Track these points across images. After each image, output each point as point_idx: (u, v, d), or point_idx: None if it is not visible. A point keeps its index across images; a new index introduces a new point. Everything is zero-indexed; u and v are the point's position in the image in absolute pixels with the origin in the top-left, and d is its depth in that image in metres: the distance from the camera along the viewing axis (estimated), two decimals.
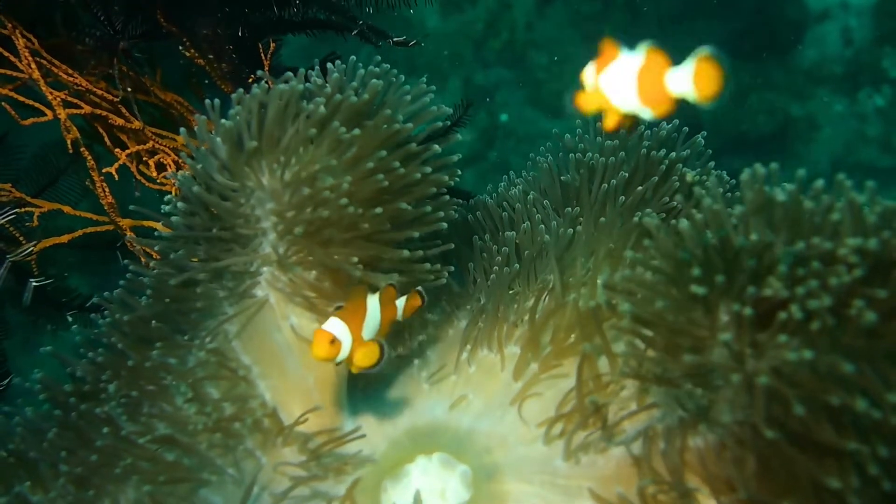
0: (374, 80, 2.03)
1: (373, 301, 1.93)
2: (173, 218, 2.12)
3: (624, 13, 7.98)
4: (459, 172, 2.13)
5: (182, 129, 2.18)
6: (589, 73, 1.76)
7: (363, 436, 2.14)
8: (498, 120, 7.94)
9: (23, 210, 2.84)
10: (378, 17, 2.91)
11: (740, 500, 1.65)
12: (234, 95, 2.06)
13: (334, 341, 1.81)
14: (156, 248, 2.22)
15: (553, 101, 7.58)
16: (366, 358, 1.87)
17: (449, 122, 2.29)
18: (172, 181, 2.44)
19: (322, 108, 1.95)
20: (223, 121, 2.02)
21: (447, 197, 2.12)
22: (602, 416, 1.94)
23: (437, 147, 2.09)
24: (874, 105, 7.51)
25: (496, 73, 8.04)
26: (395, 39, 2.18)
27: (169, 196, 2.19)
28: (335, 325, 1.83)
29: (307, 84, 2.07)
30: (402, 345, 2.38)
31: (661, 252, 1.67)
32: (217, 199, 2.05)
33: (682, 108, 1.78)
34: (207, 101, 2.10)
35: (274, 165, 1.98)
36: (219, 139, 2.01)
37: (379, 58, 2.19)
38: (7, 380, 2.73)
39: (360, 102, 1.98)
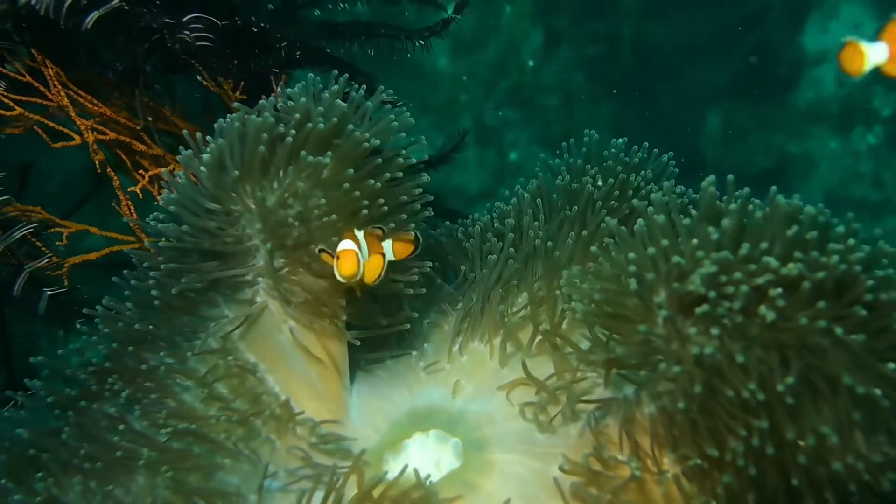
0: (338, 102, 2.28)
1: (359, 234, 2.16)
2: (171, 230, 2.33)
3: (630, 56, 8.20)
4: (426, 178, 2.39)
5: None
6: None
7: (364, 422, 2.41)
8: (507, 158, 8.18)
9: (52, 230, 3.07)
10: (387, 59, 3.12)
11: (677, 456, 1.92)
12: (216, 125, 2.31)
13: (357, 258, 2.07)
14: (159, 259, 2.40)
15: (560, 139, 7.76)
16: (375, 270, 2.12)
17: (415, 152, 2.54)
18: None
19: (290, 139, 2.20)
20: (205, 153, 2.26)
21: (417, 205, 2.39)
22: (573, 395, 2.20)
23: (400, 159, 2.32)
24: (867, 143, 7.70)
25: (505, 113, 8.27)
26: (384, 99, 2.42)
27: (155, 214, 2.39)
28: (352, 245, 2.09)
29: (277, 111, 2.31)
30: (403, 341, 2.62)
31: (613, 254, 1.89)
32: (209, 223, 2.29)
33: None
34: (186, 132, 2.35)
35: (257, 191, 2.24)
36: (203, 168, 2.26)
37: (382, 87, 2.45)
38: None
39: (326, 129, 2.23)
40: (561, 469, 2.06)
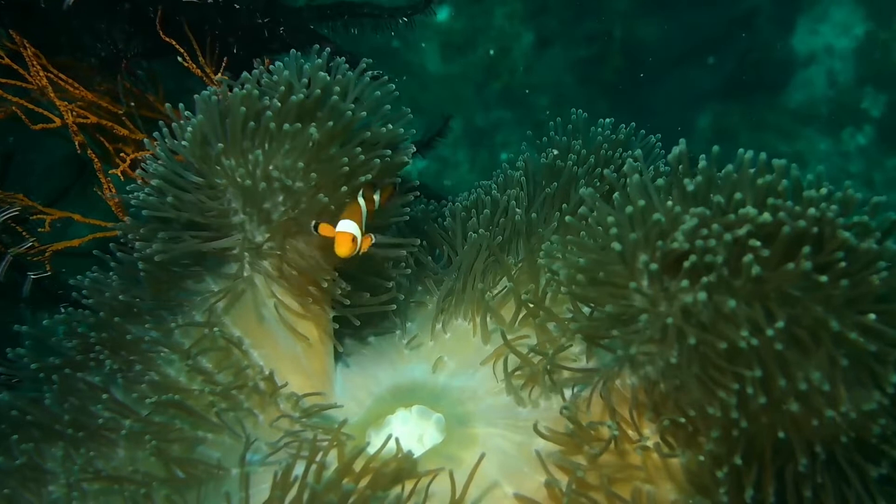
0: (321, 74, 2.26)
1: (360, 201, 2.22)
2: (154, 202, 2.30)
3: (620, 58, 8.19)
4: (413, 149, 2.39)
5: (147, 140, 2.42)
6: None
7: (348, 398, 2.39)
8: (498, 158, 8.15)
9: (35, 217, 3.03)
10: (379, 58, 3.10)
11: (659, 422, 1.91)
12: (196, 97, 2.27)
13: (354, 239, 2.12)
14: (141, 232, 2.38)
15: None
16: (365, 244, 2.19)
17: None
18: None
19: (277, 107, 2.18)
20: (189, 125, 2.23)
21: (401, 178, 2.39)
22: (555, 368, 2.17)
23: (384, 129, 2.30)
24: (857, 144, 7.70)
25: (497, 114, 8.25)
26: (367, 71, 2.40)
27: (133, 185, 2.37)
28: (350, 226, 2.13)
29: (260, 86, 2.28)
30: (387, 319, 2.59)
31: (593, 219, 1.86)
32: (193, 196, 2.27)
33: None
34: (168, 105, 2.33)
35: (240, 164, 2.22)
36: (186, 143, 2.23)
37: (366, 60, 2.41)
38: None
39: (310, 101, 2.21)
40: (541, 436, 2.04)
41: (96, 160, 2.84)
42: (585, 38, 8.15)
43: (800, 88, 7.90)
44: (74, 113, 2.79)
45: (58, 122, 2.87)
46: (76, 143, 2.86)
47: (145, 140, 2.51)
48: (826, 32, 7.93)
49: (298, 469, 2.01)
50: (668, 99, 7.81)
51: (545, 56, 8.26)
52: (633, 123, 2.71)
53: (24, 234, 2.93)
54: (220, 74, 2.85)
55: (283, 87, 2.23)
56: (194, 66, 2.88)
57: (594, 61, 8.14)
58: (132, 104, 3.05)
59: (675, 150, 1.91)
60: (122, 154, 2.90)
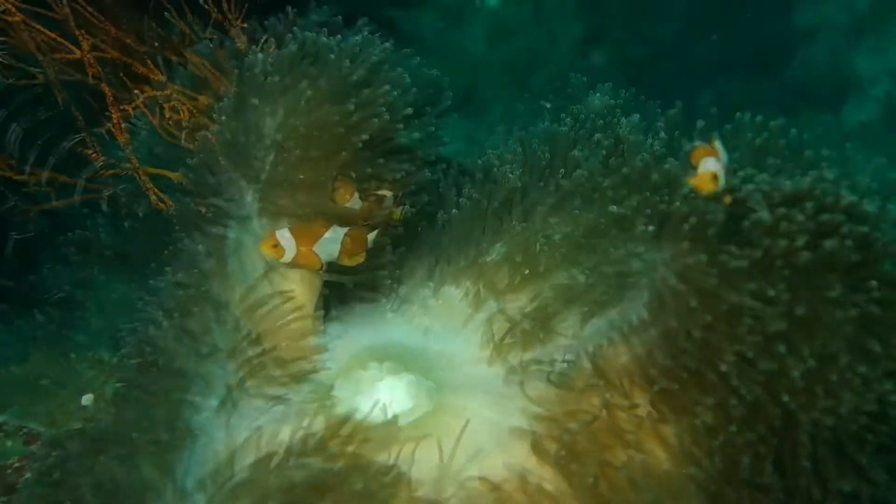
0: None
1: (336, 230, 2.10)
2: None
3: (670, 61, 8.05)
4: (410, 110, 2.24)
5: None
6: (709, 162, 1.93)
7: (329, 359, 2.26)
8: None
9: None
10: (423, 42, 3.02)
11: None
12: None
13: (276, 246, 2.03)
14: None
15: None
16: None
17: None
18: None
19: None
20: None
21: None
22: (547, 335, 2.09)
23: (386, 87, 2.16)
24: (859, 121, 7.49)
25: (537, 103, 8.12)
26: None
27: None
28: (283, 235, 2.05)
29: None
30: (378, 285, 2.46)
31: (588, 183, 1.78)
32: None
33: None
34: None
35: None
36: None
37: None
38: None
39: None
40: (530, 400, 1.92)
41: (109, 94, 2.79)
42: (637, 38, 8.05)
43: (800, 65, 7.72)
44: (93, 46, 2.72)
45: (77, 53, 2.83)
46: (89, 76, 2.79)
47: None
48: (828, 10, 7.76)
49: (285, 431, 1.94)
50: (669, 75, 7.68)
51: (593, 51, 8.14)
52: (633, 89, 2.57)
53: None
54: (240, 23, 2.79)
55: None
56: (215, 9, 2.82)
57: (641, 63, 8.01)
58: (156, 44, 3.01)
59: (671, 112, 1.83)
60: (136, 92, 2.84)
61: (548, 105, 2.64)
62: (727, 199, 1.71)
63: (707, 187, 1.82)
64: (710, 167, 1.84)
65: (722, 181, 1.81)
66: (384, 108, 2.11)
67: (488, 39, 8.07)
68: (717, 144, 1.88)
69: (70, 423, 2.20)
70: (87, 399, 2.49)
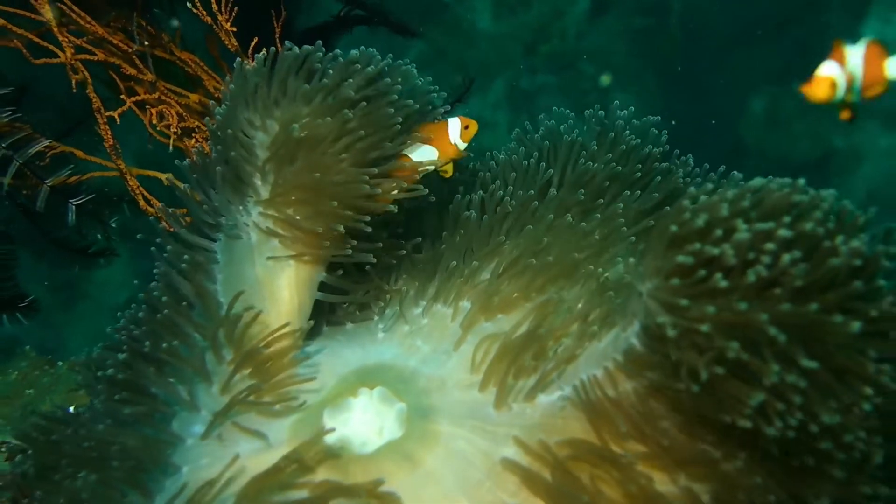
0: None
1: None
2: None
3: (677, 32, 7.91)
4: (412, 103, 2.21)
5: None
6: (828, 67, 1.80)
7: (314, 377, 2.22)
8: (538, 123, 7.95)
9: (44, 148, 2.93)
10: (429, 15, 2.97)
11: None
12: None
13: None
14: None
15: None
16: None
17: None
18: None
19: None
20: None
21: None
22: (535, 369, 2.02)
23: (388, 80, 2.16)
24: None
25: (542, 78, 8.03)
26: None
27: None
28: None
29: None
30: (366, 306, 2.46)
31: None
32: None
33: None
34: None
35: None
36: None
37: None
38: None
39: None
40: (521, 429, 1.91)
41: (96, 99, 2.73)
42: (643, 8, 7.89)
43: None
44: (80, 48, 2.66)
45: (62, 56, 2.76)
46: (73, 82, 2.76)
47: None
48: None
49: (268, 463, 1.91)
50: (721, 78, 7.53)
51: (599, 23, 8.01)
52: (633, 108, 2.57)
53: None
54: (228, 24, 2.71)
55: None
56: (204, 13, 2.75)
57: (650, 32, 7.88)
58: (146, 43, 2.94)
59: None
60: (123, 96, 2.78)
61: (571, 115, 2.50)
62: (844, 114, 1.58)
63: (816, 94, 1.68)
64: (827, 72, 1.70)
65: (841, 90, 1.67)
66: (381, 122, 2.13)
67: (494, 13, 7.93)
68: (853, 49, 1.78)
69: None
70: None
